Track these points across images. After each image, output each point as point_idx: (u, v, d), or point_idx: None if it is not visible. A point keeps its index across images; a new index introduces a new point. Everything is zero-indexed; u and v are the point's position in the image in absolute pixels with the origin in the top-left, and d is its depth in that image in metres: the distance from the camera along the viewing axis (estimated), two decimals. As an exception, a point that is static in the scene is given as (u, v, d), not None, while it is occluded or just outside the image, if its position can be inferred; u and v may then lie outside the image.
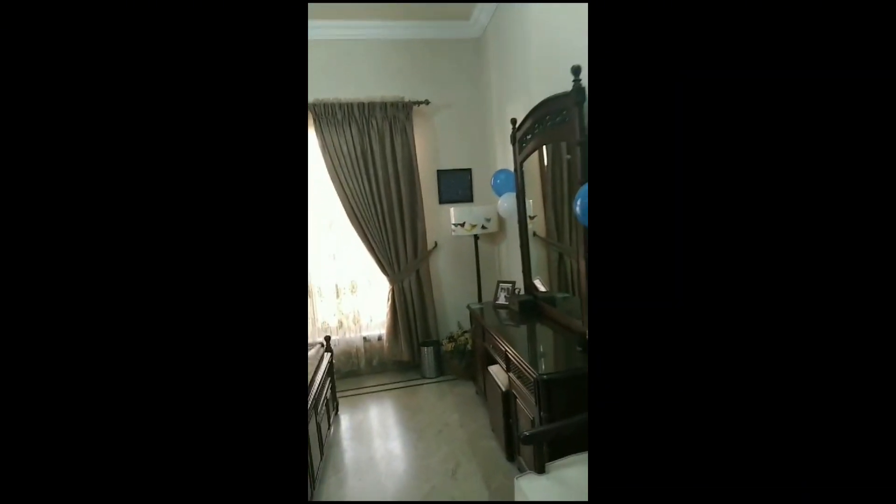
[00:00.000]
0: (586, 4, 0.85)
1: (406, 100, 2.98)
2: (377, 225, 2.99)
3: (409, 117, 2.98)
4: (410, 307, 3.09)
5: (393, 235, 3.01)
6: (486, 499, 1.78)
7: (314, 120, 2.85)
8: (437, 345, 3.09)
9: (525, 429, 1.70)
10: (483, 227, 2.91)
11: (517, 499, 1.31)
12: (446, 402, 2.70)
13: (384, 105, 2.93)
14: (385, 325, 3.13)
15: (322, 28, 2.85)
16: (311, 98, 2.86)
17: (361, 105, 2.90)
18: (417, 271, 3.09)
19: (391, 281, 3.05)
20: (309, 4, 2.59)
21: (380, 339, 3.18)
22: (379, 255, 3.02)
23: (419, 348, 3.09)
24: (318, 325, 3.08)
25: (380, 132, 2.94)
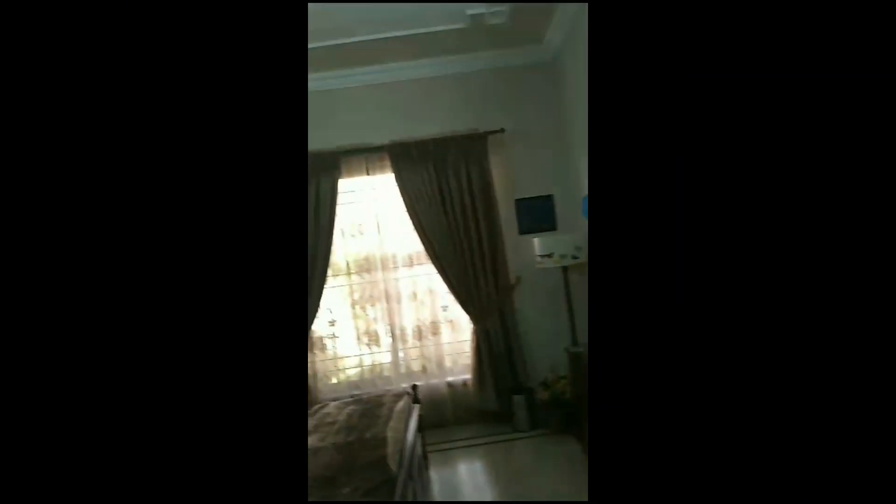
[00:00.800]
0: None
1: (480, 131, 2.89)
2: (456, 260, 2.84)
3: (484, 148, 2.87)
4: (496, 348, 2.83)
5: (473, 271, 2.83)
6: None
7: (391, 160, 2.86)
8: (529, 392, 2.76)
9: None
10: (574, 256, 2.61)
11: None
12: (548, 463, 2.32)
13: (458, 138, 2.86)
14: (470, 370, 2.88)
15: (390, 71, 2.91)
16: (386, 139, 2.88)
17: (436, 141, 2.85)
18: (501, 309, 2.85)
19: (474, 320, 2.84)
20: (372, 50, 2.67)
21: (465, 384, 2.92)
22: (460, 293, 2.84)
23: (509, 396, 2.78)
24: (402, 370, 2.93)
25: (455, 166, 2.85)
